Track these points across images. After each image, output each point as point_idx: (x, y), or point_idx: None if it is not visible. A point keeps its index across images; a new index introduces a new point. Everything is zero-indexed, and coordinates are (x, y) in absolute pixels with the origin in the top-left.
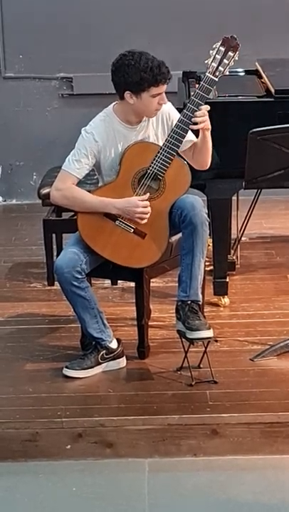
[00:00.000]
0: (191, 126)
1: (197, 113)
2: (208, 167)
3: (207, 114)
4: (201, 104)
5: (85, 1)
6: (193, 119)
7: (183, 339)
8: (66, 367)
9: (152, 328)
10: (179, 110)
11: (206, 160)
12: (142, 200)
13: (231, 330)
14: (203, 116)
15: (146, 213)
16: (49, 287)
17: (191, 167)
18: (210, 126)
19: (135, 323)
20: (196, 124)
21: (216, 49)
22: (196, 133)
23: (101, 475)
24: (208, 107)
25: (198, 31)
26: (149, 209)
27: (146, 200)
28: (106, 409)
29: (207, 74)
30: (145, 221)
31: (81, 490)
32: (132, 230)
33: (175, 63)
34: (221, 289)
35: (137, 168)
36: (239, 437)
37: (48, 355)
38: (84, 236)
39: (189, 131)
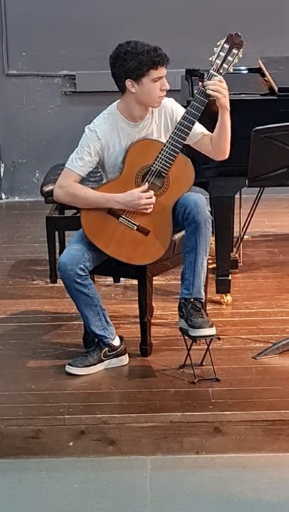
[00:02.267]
0: (209, 93)
1: (208, 82)
2: (227, 155)
3: (222, 82)
4: (205, 102)
5: None
6: (206, 89)
7: (185, 337)
8: (69, 364)
9: (155, 326)
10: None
11: (224, 148)
12: (144, 191)
13: (234, 328)
14: (214, 85)
15: (150, 203)
16: (52, 284)
17: (194, 164)
18: (228, 105)
19: (138, 320)
20: (211, 92)
21: (220, 46)
22: (205, 124)
23: (103, 472)
24: (220, 78)
25: (202, 29)
26: (153, 199)
27: (151, 193)
28: (108, 407)
29: (211, 71)
30: (150, 210)
31: (83, 487)
32: (136, 227)
33: (178, 61)
34: (223, 287)
35: (141, 166)
36: (241, 435)
37: (50, 352)
38: (87, 233)
39: (197, 123)
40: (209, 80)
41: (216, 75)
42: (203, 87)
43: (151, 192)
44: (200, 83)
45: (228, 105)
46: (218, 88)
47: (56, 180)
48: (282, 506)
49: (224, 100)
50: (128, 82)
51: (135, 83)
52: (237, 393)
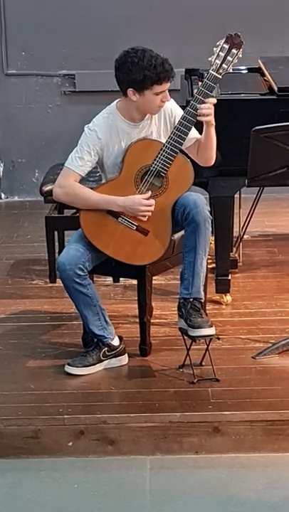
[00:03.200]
0: (198, 118)
1: (203, 105)
2: (212, 163)
3: (212, 107)
4: (204, 102)
5: None
6: (198, 111)
7: (185, 337)
8: (68, 364)
9: (154, 326)
10: (182, 108)
11: (210, 156)
12: (145, 198)
13: (233, 328)
14: (208, 109)
15: (150, 211)
16: (51, 284)
17: (193, 164)
18: (214, 122)
19: (137, 320)
20: (202, 115)
21: (220, 46)
22: (200, 129)
23: (103, 472)
24: (214, 100)
25: (202, 29)
26: (152, 207)
27: (150, 197)
28: (108, 407)
29: (210, 71)
30: (147, 218)
31: (83, 487)
32: (135, 227)
33: (178, 61)
34: (223, 287)
35: (140, 165)
36: (241, 435)
37: (49, 352)
38: (86, 233)
39: (193, 128)
40: (198, 104)
41: (204, 102)
42: (204, 85)
43: (152, 201)
44: (199, 83)
45: (214, 122)
46: (210, 112)
47: (56, 180)
48: (281, 506)
49: (212, 121)
50: (130, 91)
51: (137, 93)
52: (236, 393)
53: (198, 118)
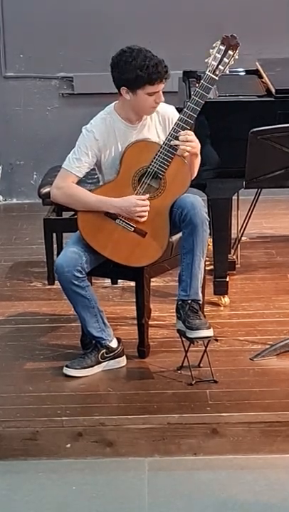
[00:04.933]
0: (172, 142)
1: (180, 133)
2: (194, 177)
3: (192, 138)
4: (201, 103)
5: (86, 1)
6: (175, 137)
7: (183, 338)
8: (66, 366)
9: (152, 328)
10: (180, 110)
11: (192, 172)
12: (141, 199)
13: (231, 329)
14: (185, 141)
15: (146, 211)
16: (49, 286)
17: None
18: (198, 152)
19: (135, 322)
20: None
21: (216, 48)
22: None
23: (101, 474)
24: (190, 133)
25: (199, 30)
26: (148, 207)
27: (147, 199)
28: (106, 408)
29: (207, 72)
30: (144, 219)
31: (81, 489)
32: (133, 228)
33: (175, 63)
34: (221, 289)
35: (138, 167)
36: (239, 436)
37: (48, 354)
38: (84, 235)
39: None
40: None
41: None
42: (201, 87)
43: (147, 202)
44: (197, 84)
45: (198, 152)
46: (189, 144)
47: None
48: (279, 508)
49: (195, 151)
50: (123, 90)
51: (130, 92)
52: (234, 395)
53: (180, 151)
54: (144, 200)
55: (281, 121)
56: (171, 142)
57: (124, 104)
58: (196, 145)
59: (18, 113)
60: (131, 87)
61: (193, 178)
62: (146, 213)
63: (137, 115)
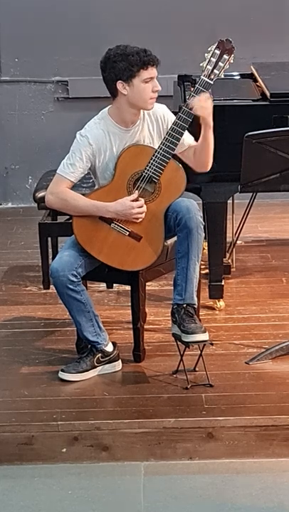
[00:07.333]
0: (193, 112)
1: (194, 98)
2: (208, 169)
3: (208, 101)
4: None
5: (81, 5)
6: (190, 105)
7: (178, 342)
8: (62, 370)
9: (148, 332)
10: (175, 114)
11: (206, 161)
12: (134, 200)
13: (227, 333)
14: (199, 101)
15: (142, 212)
16: (45, 290)
17: (186, 170)
18: (212, 124)
19: (131, 326)
20: (195, 109)
21: (212, 52)
22: (194, 135)
23: (97, 478)
24: (208, 95)
25: (194, 35)
26: (144, 208)
27: (141, 201)
28: (102, 413)
29: (202, 77)
30: (141, 220)
31: (77, 493)
32: (128, 233)
33: (171, 67)
34: (216, 293)
35: (132, 171)
36: (235, 440)
37: (43, 358)
38: (79, 239)
39: (187, 133)
40: (190, 110)
41: (204, 91)
42: (196, 91)
43: (142, 201)
44: (192, 88)
45: (211, 124)
46: (203, 105)
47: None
48: None
49: (208, 119)
50: (119, 84)
51: (126, 85)
52: (230, 399)
53: (193, 111)
54: (137, 200)
55: (276, 125)
56: (188, 101)
57: (121, 104)
58: (210, 111)
59: (13, 117)
60: (126, 77)
61: (208, 170)
62: (143, 214)
63: (134, 115)
